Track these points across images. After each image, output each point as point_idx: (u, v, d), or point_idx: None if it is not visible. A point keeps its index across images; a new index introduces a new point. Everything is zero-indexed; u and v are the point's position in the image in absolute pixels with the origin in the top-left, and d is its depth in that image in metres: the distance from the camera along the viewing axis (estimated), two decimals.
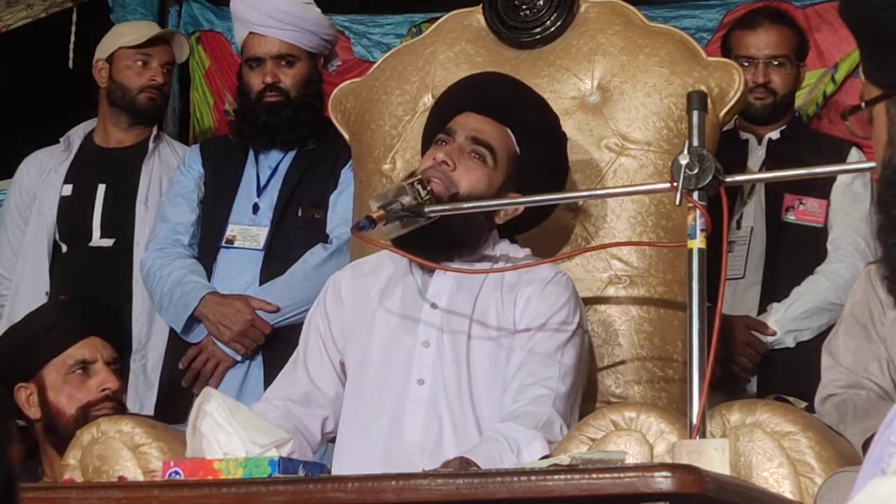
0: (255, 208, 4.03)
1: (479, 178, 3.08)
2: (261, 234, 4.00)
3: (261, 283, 3.97)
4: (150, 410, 4.14)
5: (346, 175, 3.97)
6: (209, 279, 4.00)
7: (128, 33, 4.57)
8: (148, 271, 4.06)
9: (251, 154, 4.11)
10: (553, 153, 3.22)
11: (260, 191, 4.05)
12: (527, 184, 3.13)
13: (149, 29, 4.63)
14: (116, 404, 3.53)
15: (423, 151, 3.26)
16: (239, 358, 3.94)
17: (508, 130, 3.15)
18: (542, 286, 3.06)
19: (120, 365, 3.65)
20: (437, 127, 3.20)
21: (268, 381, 3.83)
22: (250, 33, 4.07)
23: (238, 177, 4.07)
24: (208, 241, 4.06)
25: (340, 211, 3.96)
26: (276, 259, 3.97)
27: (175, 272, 3.99)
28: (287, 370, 3.20)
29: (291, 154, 4.07)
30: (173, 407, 3.96)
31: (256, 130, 4.08)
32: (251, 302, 3.91)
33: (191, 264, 4.02)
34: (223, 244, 4.02)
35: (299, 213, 4.00)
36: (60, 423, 3.50)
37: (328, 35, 4.15)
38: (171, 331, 4.11)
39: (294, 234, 4.00)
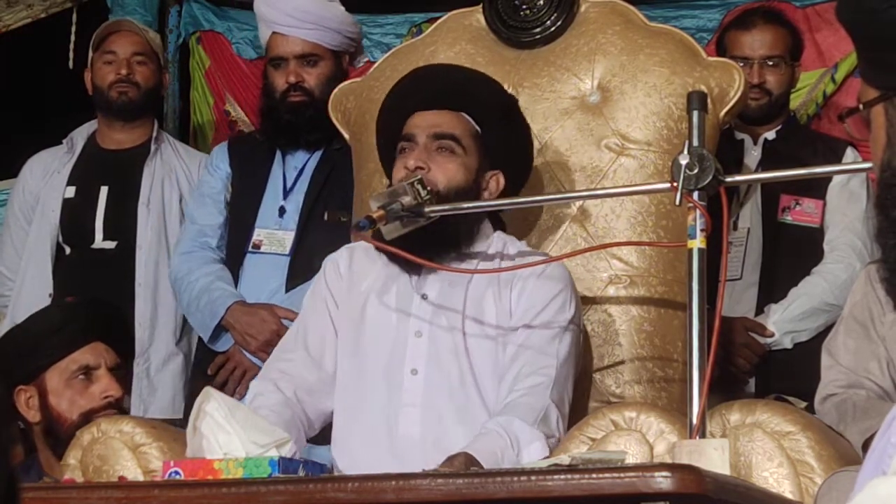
0: (282, 211, 4.01)
1: (455, 171, 3.09)
2: (287, 238, 3.98)
3: (287, 289, 3.95)
4: (153, 414, 4.13)
5: None
6: (236, 285, 3.99)
7: (94, 37, 4.56)
8: (176, 277, 4.05)
9: (278, 154, 4.09)
10: (513, 119, 3.24)
11: (286, 193, 4.02)
12: (499, 156, 3.16)
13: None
14: (119, 412, 3.51)
15: (383, 162, 3.29)
16: None
17: (463, 114, 3.16)
18: (534, 278, 3.07)
19: (125, 371, 3.63)
20: (390, 134, 3.21)
21: None
22: (273, 33, 4.05)
23: (265, 178, 4.05)
24: (235, 246, 4.04)
25: None
26: (302, 265, 3.93)
27: (202, 278, 3.97)
28: (288, 345, 3.18)
29: (318, 155, 4.05)
30: None
31: (280, 130, 4.06)
32: (277, 311, 3.89)
33: (218, 270, 4.00)
34: (250, 249, 4.00)
35: (325, 217, 3.96)
36: (62, 427, 3.48)
37: (352, 32, 4.12)
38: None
39: (320, 238, 3.96)
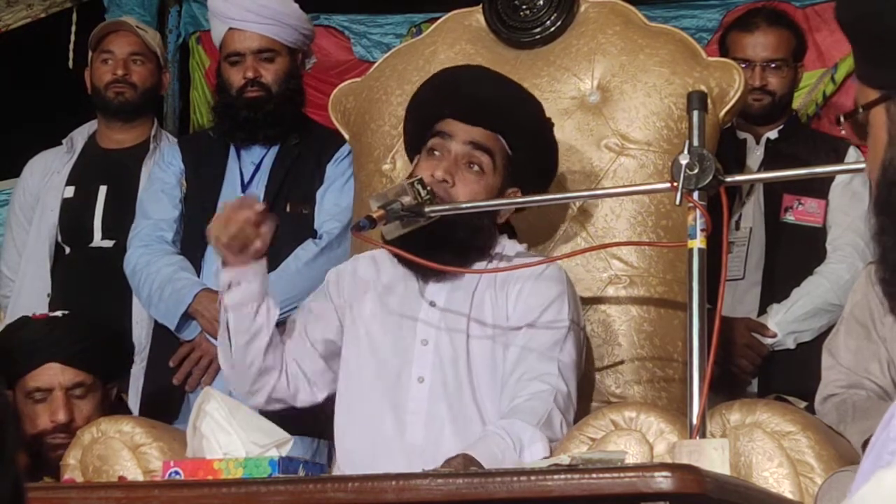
0: None
1: (478, 191, 3.07)
2: None
3: None
4: None
5: (332, 170, 3.97)
6: (198, 274, 3.97)
7: (91, 37, 4.56)
8: (134, 268, 4.00)
9: (232, 150, 4.08)
10: (545, 144, 3.22)
11: (244, 187, 4.01)
12: (522, 176, 3.14)
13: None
14: (69, 435, 3.38)
15: (409, 149, 3.27)
16: None
17: (499, 136, 3.14)
18: (532, 280, 3.06)
19: (91, 387, 3.58)
20: (422, 126, 3.18)
21: None
22: (229, 29, 4.03)
23: (221, 172, 4.04)
24: (196, 236, 3.99)
25: (328, 206, 3.95)
26: (269, 255, 3.95)
27: (164, 269, 3.95)
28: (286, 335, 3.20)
29: (274, 150, 4.04)
30: (160, 405, 3.92)
31: (238, 126, 4.04)
32: None
33: (179, 261, 3.98)
34: None
35: (287, 209, 3.97)
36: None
37: (307, 30, 4.12)
38: (155, 330, 4.08)
39: (283, 229, 3.97)
